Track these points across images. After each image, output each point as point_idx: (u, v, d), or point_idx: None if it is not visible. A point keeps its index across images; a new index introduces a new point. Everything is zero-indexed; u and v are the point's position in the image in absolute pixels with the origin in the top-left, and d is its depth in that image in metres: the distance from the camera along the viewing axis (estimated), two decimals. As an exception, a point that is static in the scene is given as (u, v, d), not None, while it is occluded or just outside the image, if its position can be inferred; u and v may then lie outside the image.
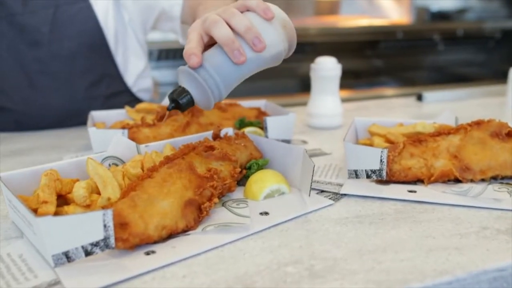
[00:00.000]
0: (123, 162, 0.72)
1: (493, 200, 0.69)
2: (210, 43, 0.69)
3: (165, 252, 0.56)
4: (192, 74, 0.65)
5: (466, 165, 0.74)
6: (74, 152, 0.95)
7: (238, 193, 0.73)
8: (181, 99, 0.66)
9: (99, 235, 0.52)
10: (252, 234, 0.61)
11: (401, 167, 0.74)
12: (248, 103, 1.02)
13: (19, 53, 1.06)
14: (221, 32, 0.65)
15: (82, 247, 0.52)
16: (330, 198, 0.71)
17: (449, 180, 0.75)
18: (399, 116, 1.23)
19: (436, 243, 0.59)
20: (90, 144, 0.86)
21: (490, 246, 0.58)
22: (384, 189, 0.73)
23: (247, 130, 0.90)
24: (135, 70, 1.20)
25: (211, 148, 0.71)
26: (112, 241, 0.53)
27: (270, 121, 0.91)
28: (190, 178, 0.64)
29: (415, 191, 0.72)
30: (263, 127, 0.92)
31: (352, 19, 3.03)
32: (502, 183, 0.76)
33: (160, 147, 0.76)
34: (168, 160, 0.66)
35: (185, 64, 0.67)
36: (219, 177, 0.68)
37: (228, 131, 0.81)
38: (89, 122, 0.91)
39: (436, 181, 0.75)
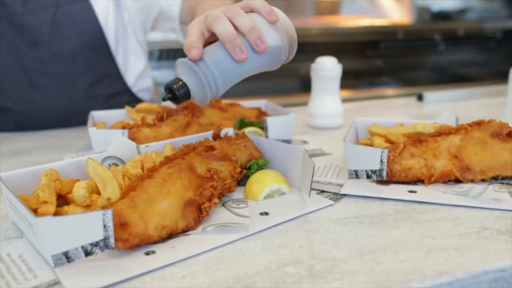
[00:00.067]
0: (123, 162, 0.72)
1: (493, 200, 0.69)
2: (210, 40, 0.68)
3: (165, 252, 0.56)
4: (191, 67, 0.64)
5: (467, 165, 0.74)
6: (75, 152, 0.95)
7: (238, 193, 0.72)
8: (178, 91, 0.65)
9: (99, 235, 0.52)
10: (252, 234, 0.61)
11: (401, 167, 0.74)
12: (249, 103, 1.01)
13: (19, 53, 1.06)
14: (223, 28, 0.64)
15: (82, 247, 0.52)
16: (330, 198, 0.71)
17: (449, 180, 0.75)
18: (399, 116, 1.23)
19: (436, 243, 0.59)
20: (90, 144, 0.86)
21: (491, 247, 0.58)
22: (384, 189, 0.73)
23: (247, 130, 0.90)
24: (135, 70, 1.20)
25: (211, 148, 0.71)
26: (112, 241, 0.53)
27: (270, 121, 0.91)
28: (190, 178, 0.64)
29: (415, 191, 0.72)
30: (263, 127, 0.92)
31: (352, 19, 3.02)
32: (502, 183, 0.76)
33: (160, 147, 0.76)
34: (168, 160, 0.66)
35: None
36: (219, 177, 0.68)
37: (228, 131, 0.81)
38: (90, 122, 0.91)
39: (436, 181, 0.75)
